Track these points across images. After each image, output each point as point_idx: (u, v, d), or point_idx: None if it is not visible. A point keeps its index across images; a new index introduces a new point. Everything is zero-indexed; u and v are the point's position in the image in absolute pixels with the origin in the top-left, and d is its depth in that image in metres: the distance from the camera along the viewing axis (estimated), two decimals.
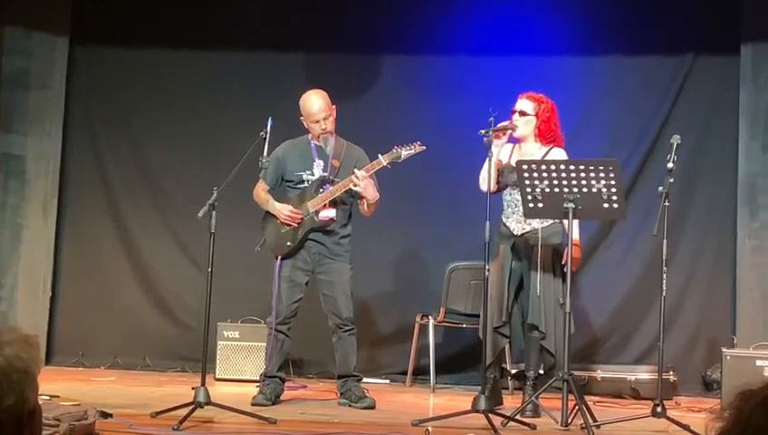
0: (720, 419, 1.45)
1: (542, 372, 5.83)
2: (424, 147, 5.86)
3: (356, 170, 5.79)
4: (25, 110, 7.84)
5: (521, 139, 5.85)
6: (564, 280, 5.47)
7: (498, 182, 5.75)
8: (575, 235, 5.83)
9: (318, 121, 5.92)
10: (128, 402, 5.54)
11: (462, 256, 7.07)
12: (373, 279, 7.50)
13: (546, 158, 5.72)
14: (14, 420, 1.66)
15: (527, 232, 5.79)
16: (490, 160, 5.42)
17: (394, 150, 5.82)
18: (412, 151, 5.83)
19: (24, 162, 7.83)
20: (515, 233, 5.81)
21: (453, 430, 4.93)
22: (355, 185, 5.79)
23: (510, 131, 5.76)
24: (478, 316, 5.82)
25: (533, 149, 5.85)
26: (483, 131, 5.45)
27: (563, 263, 5.69)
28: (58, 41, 7.89)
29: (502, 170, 5.74)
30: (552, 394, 5.65)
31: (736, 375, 6.17)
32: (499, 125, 5.68)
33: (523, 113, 5.84)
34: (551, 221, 5.72)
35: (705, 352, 7.28)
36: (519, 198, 5.61)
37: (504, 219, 5.85)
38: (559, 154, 5.79)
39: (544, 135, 5.85)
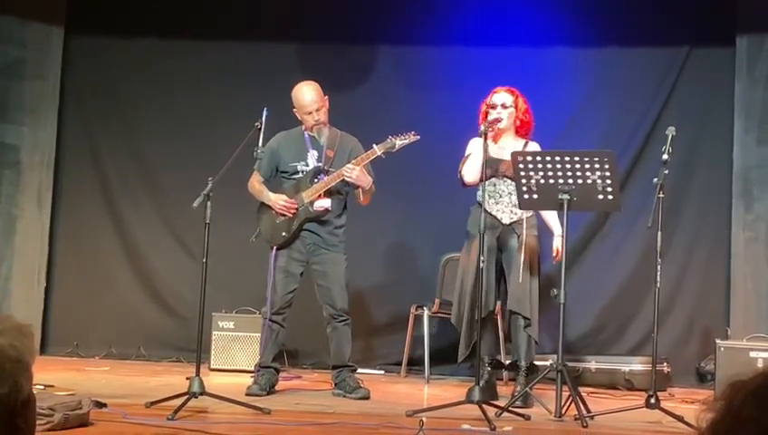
0: (711, 409, 1.46)
1: (537, 362, 5.85)
2: (418, 136, 5.87)
3: (347, 166, 5.81)
4: (20, 100, 7.83)
5: (500, 131, 5.85)
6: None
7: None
8: (559, 228, 5.89)
9: (311, 113, 5.92)
10: (122, 392, 5.54)
11: (456, 248, 7.04)
12: (368, 270, 7.50)
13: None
14: (7, 410, 1.66)
15: (515, 221, 5.82)
16: (485, 152, 5.42)
17: (388, 140, 5.83)
18: (406, 141, 5.84)
19: (19, 152, 7.82)
20: (504, 222, 5.82)
21: (447, 420, 4.93)
22: (347, 176, 5.80)
23: (498, 125, 5.77)
24: None
25: (510, 142, 5.88)
26: (484, 126, 5.46)
27: (553, 255, 5.84)
28: (53, 30, 7.88)
29: (486, 162, 5.76)
30: (546, 385, 5.66)
31: (730, 366, 6.18)
32: (490, 117, 5.72)
33: (505, 106, 5.87)
34: (531, 212, 5.79)
35: (699, 343, 7.30)
36: (504, 188, 5.74)
37: (486, 209, 5.83)
38: (535, 148, 5.83)
39: (524, 127, 5.91)
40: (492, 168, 5.70)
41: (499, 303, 6.03)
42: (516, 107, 5.89)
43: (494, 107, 5.84)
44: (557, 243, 5.88)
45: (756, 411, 1.41)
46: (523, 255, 5.73)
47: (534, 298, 5.74)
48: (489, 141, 5.71)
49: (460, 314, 5.86)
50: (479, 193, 5.85)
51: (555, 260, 5.95)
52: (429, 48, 7.81)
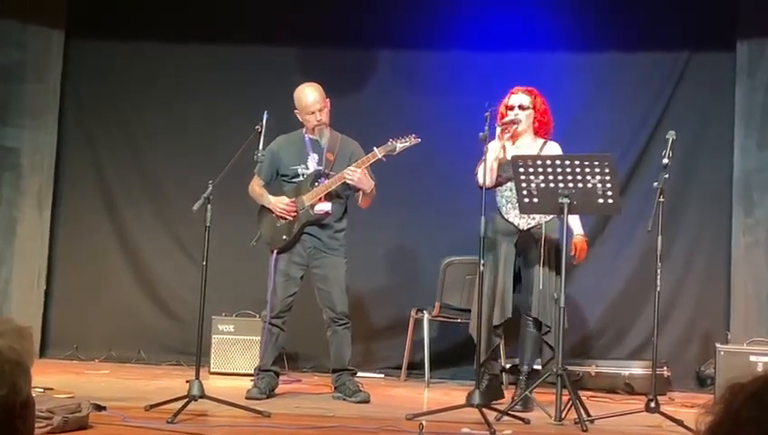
0: (710, 412, 1.46)
1: (536, 366, 5.84)
2: (419, 139, 5.86)
3: (349, 168, 5.81)
4: (21, 102, 7.83)
5: (518, 133, 5.83)
6: (562, 275, 5.49)
7: (498, 176, 5.73)
8: (579, 228, 5.84)
9: (313, 113, 5.93)
10: (122, 395, 5.54)
11: (457, 251, 7.07)
12: (368, 273, 7.49)
13: (542, 152, 5.72)
14: (6, 412, 1.65)
15: (532, 227, 5.77)
16: (487, 155, 5.40)
17: (389, 143, 5.83)
18: (407, 144, 5.84)
19: (20, 155, 7.82)
20: (521, 228, 5.77)
21: (447, 424, 4.93)
22: (349, 179, 5.80)
23: (515, 127, 5.74)
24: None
25: (528, 143, 5.84)
26: (483, 134, 5.36)
27: (572, 255, 5.73)
28: (53, 33, 7.88)
29: (502, 165, 5.72)
30: (547, 389, 5.65)
31: (730, 371, 6.17)
32: (506, 119, 5.69)
33: (522, 107, 5.82)
34: (551, 216, 5.71)
35: (699, 347, 7.29)
36: None
37: (503, 215, 5.81)
38: (554, 148, 5.80)
39: (542, 127, 5.85)
40: (508, 171, 5.65)
41: None
42: (535, 108, 5.83)
43: (511, 108, 5.81)
44: (578, 241, 5.83)
45: (756, 413, 1.41)
46: (542, 262, 5.67)
47: (552, 305, 5.62)
48: (507, 143, 5.71)
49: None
50: (498, 199, 5.81)
51: (576, 260, 5.90)
52: (430, 52, 7.81)
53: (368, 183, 5.86)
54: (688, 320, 7.39)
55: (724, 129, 7.38)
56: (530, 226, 5.76)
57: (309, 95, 5.95)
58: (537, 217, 5.70)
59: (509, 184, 5.72)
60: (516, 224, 5.76)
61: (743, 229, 7.24)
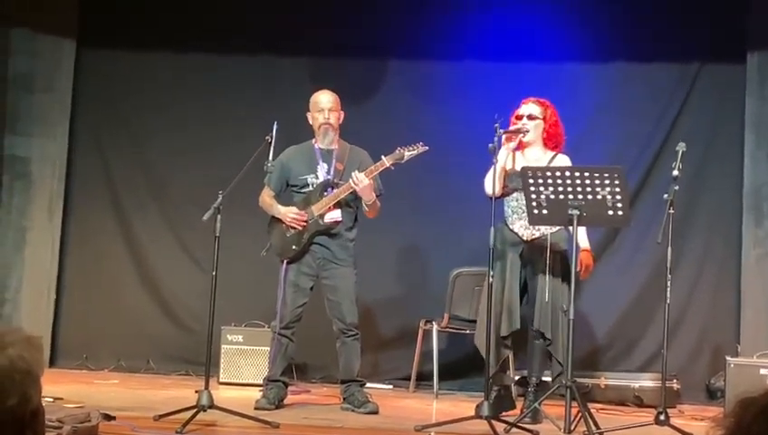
0: (721, 426, 1.46)
1: (544, 378, 5.82)
2: (426, 147, 5.87)
3: (354, 173, 5.81)
4: (31, 112, 7.85)
5: (527, 143, 5.83)
6: (570, 287, 5.46)
7: (505, 187, 5.73)
8: (585, 242, 5.82)
9: (322, 110, 5.96)
10: (131, 405, 5.55)
11: (466, 262, 7.07)
12: (377, 284, 7.48)
13: (551, 164, 5.71)
14: (16, 421, 1.66)
15: (536, 238, 5.76)
16: (495, 165, 5.41)
17: (397, 151, 5.84)
18: (415, 152, 5.85)
19: (30, 164, 7.83)
20: (524, 239, 5.77)
21: None
22: (354, 185, 5.81)
23: (520, 135, 5.74)
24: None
25: (538, 155, 5.84)
26: (492, 145, 5.36)
27: (578, 270, 5.69)
28: (64, 43, 7.90)
29: (509, 175, 5.72)
30: (556, 401, 5.64)
31: (740, 384, 6.15)
32: (512, 128, 5.69)
33: (531, 117, 5.82)
34: (558, 227, 5.70)
35: (709, 360, 7.27)
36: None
37: (509, 225, 5.81)
38: (564, 160, 5.79)
39: (552, 139, 5.84)
40: (515, 181, 5.65)
41: None
42: (545, 119, 5.84)
43: (520, 117, 5.81)
44: (583, 257, 5.81)
45: (767, 428, 1.40)
46: (547, 274, 5.65)
47: (557, 318, 5.60)
48: (517, 154, 5.70)
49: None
50: (506, 209, 5.81)
51: (580, 276, 5.87)
52: (440, 62, 7.82)
53: (369, 194, 5.86)
54: (698, 332, 7.36)
55: (735, 140, 7.37)
56: (534, 236, 5.75)
57: (324, 95, 6.03)
58: (542, 228, 5.70)
59: (516, 194, 5.73)
60: (521, 235, 5.76)
61: (753, 241, 7.22)
